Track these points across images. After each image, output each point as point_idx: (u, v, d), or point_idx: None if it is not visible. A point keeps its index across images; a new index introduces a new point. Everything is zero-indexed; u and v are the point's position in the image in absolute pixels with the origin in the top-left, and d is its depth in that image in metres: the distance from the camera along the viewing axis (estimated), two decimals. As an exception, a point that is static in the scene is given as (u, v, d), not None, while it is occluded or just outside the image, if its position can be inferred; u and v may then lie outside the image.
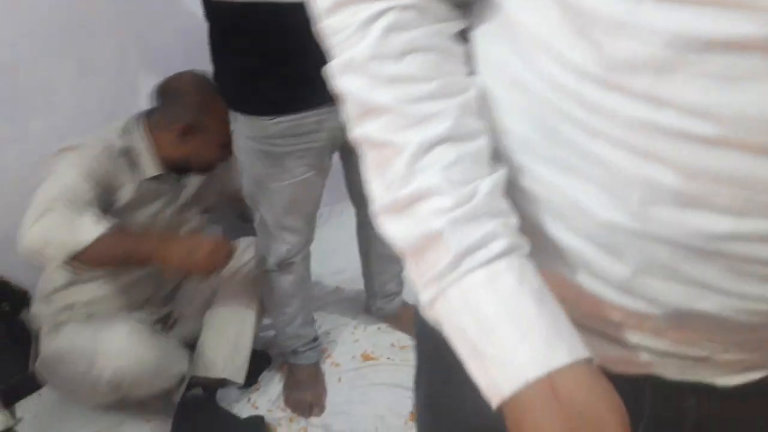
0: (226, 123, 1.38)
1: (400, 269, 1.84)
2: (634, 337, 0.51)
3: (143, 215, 1.54)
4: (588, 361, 0.43)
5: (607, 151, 0.43)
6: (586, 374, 0.43)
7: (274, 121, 1.28)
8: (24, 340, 1.73)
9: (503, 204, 0.47)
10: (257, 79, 1.26)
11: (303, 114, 1.28)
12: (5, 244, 1.79)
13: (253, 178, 1.40)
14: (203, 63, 1.38)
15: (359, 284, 1.98)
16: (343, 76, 0.50)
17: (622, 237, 0.45)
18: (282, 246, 1.50)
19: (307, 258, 1.62)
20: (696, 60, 0.38)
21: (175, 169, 1.55)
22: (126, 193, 1.48)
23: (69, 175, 1.37)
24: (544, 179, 0.48)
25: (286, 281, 1.60)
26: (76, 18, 1.71)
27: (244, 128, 1.33)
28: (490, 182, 0.46)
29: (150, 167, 1.50)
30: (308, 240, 1.56)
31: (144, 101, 1.58)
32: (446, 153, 0.46)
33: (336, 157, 1.51)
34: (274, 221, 1.45)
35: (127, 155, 1.48)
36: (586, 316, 0.50)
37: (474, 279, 0.44)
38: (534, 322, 0.43)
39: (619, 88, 0.41)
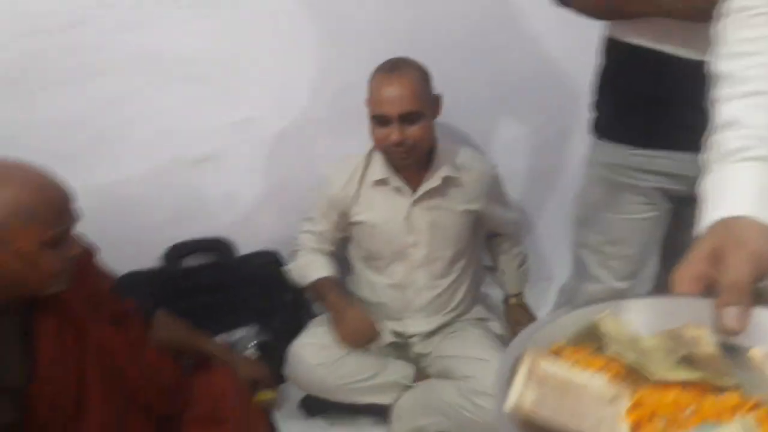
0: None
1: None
2: None
3: (377, 219, 1.75)
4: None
5: None
6: (757, 226, 0.62)
7: (633, 152, 1.35)
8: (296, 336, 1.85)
9: None
10: (631, 113, 1.35)
11: (661, 152, 1.33)
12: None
13: (588, 202, 1.45)
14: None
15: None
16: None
17: None
18: (595, 286, 1.47)
19: None
20: None
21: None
22: (356, 202, 1.77)
23: (316, 215, 1.82)
24: None
25: None
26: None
27: (600, 155, 1.42)
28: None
29: (375, 171, 1.75)
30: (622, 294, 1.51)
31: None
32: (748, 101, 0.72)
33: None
34: (595, 258, 1.44)
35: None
36: None
37: (726, 165, 0.69)
38: (747, 192, 0.66)
39: None
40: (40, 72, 1.64)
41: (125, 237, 1.81)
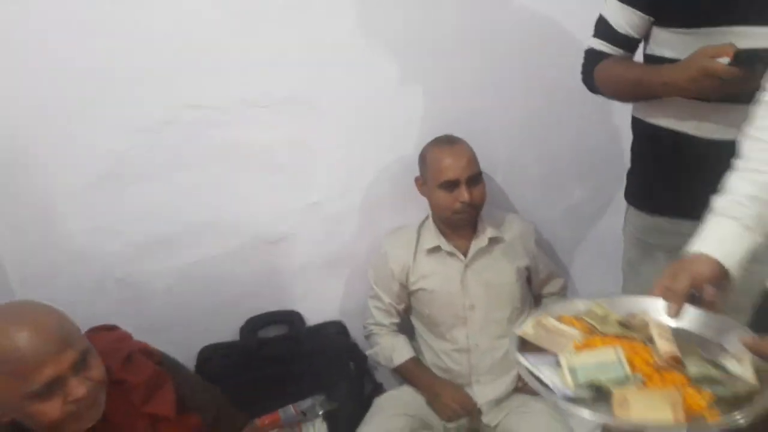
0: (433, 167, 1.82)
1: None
2: None
3: (434, 285, 1.88)
4: (720, 265, 1.03)
5: None
6: (705, 259, 1.04)
7: (660, 219, 1.51)
8: (360, 403, 1.98)
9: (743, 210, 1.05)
10: (656, 185, 1.52)
11: (686, 221, 1.39)
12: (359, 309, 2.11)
13: (628, 260, 1.61)
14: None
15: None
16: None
17: None
18: None
19: None
20: None
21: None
22: (413, 271, 1.91)
23: (379, 290, 1.97)
24: None
25: None
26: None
27: (632, 218, 1.60)
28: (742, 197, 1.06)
29: (427, 240, 1.90)
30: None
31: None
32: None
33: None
34: None
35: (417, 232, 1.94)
36: None
37: (711, 218, 1.08)
38: (711, 238, 1.06)
39: None
40: (131, 168, 1.82)
41: (206, 311, 2.00)
